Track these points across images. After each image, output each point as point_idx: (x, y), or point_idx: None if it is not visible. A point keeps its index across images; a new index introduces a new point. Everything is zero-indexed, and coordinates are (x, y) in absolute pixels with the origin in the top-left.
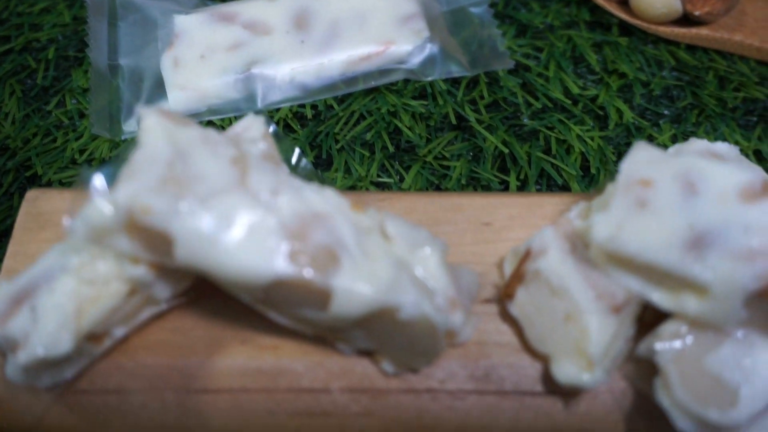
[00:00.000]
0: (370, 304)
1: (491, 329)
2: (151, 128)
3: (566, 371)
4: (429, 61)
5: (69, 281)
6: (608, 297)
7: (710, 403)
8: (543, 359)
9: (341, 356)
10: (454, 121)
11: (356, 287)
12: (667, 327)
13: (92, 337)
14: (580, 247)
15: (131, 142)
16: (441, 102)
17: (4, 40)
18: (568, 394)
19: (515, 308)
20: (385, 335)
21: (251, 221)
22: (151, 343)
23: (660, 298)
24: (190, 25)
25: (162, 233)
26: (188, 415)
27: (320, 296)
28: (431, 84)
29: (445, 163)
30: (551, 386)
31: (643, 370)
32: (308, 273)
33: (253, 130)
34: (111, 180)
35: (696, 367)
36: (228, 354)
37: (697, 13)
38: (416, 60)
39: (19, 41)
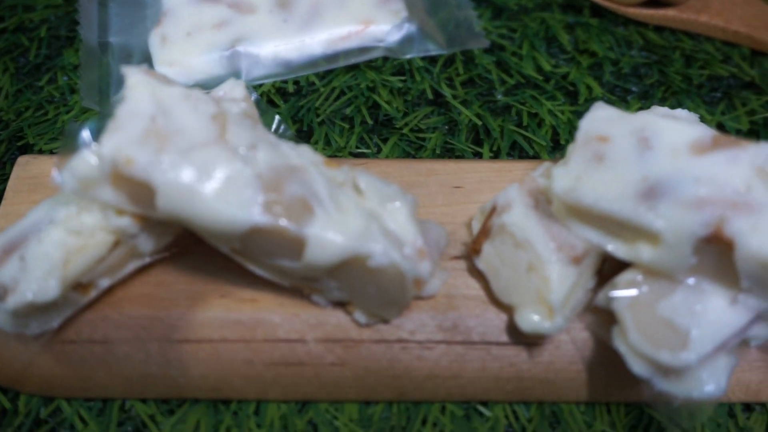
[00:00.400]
0: (342, 252)
1: (459, 284)
2: (136, 85)
3: (529, 319)
4: (407, 40)
5: (56, 232)
6: (568, 248)
7: (662, 345)
8: (508, 310)
9: (316, 308)
10: (430, 97)
11: (329, 236)
12: (623, 276)
13: (79, 286)
14: (543, 203)
15: (116, 101)
16: (418, 78)
17: None
18: (532, 344)
19: (482, 263)
20: (356, 284)
21: (229, 173)
22: (135, 296)
23: (616, 248)
24: (177, 4)
25: (144, 183)
26: (170, 364)
27: (295, 245)
28: (409, 61)
29: (421, 135)
30: (516, 337)
31: (602, 320)
32: (283, 222)
33: (234, 92)
34: (97, 135)
35: (649, 313)
36: (208, 306)
37: None
38: (394, 39)
39: (12, 21)
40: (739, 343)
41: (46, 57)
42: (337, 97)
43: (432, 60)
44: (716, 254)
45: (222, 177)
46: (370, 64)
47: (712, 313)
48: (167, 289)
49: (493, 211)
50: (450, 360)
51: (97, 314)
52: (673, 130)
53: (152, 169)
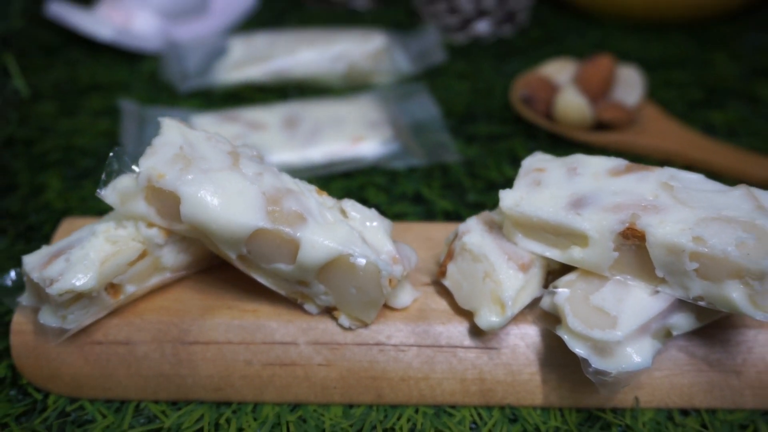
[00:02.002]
0: (329, 252)
1: (429, 302)
2: (169, 127)
3: (486, 318)
4: (392, 155)
5: (96, 241)
6: (517, 258)
7: (595, 326)
8: (469, 316)
9: (308, 316)
10: (411, 194)
11: (319, 239)
12: (562, 279)
13: (110, 287)
14: (495, 229)
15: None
16: (402, 182)
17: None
18: (492, 348)
19: (447, 281)
20: (340, 286)
21: (239, 189)
22: (155, 307)
23: (553, 253)
24: (204, 122)
25: (171, 194)
26: (181, 364)
27: (290, 246)
28: (393, 169)
29: (401, 219)
30: (478, 342)
31: (549, 319)
32: (281, 226)
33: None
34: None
35: (584, 303)
36: (216, 315)
37: (605, 118)
38: (382, 153)
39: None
40: (663, 332)
41: (92, 168)
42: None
43: (413, 169)
44: (634, 252)
45: (233, 191)
46: (360, 171)
47: (635, 301)
48: (182, 303)
49: (456, 236)
50: (421, 361)
51: (122, 320)
52: (595, 161)
53: (178, 182)
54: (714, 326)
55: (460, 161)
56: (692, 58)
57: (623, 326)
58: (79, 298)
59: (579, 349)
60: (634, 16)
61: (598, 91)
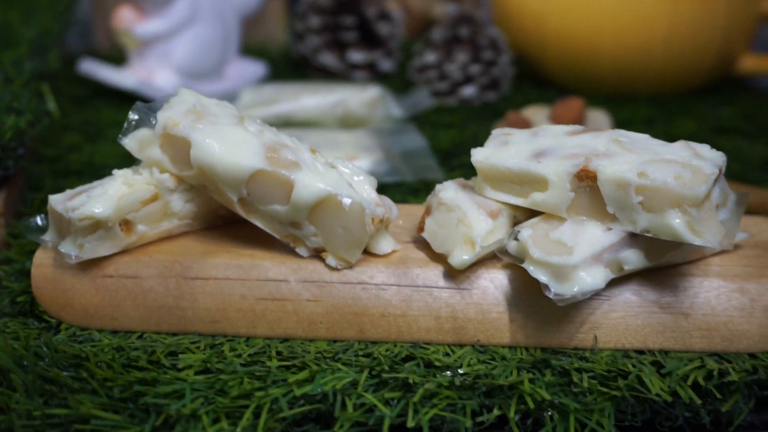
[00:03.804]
0: (320, 192)
1: (409, 253)
2: (184, 91)
3: (458, 257)
4: (383, 172)
5: (115, 183)
6: (486, 207)
7: (554, 253)
8: (445, 262)
9: (299, 257)
10: (398, 201)
11: (311, 181)
12: (526, 222)
13: (124, 224)
14: (468, 188)
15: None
16: (390, 192)
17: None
18: (464, 288)
19: (426, 233)
20: (328, 226)
21: (243, 138)
22: (163, 249)
23: (518, 201)
24: None
25: (184, 140)
26: (183, 297)
27: (285, 188)
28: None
29: None
30: (451, 283)
31: (515, 260)
32: (278, 168)
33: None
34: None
35: (545, 238)
36: (217, 256)
37: None
38: (373, 170)
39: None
40: (615, 265)
41: None
42: None
43: (401, 184)
44: (588, 193)
45: (238, 140)
46: None
47: (590, 235)
48: (187, 248)
49: (433, 193)
50: (400, 299)
51: (132, 257)
52: (556, 127)
53: (190, 130)
54: (663, 273)
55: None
56: (658, 119)
57: (578, 253)
58: (96, 228)
59: (541, 276)
60: (606, 90)
61: None
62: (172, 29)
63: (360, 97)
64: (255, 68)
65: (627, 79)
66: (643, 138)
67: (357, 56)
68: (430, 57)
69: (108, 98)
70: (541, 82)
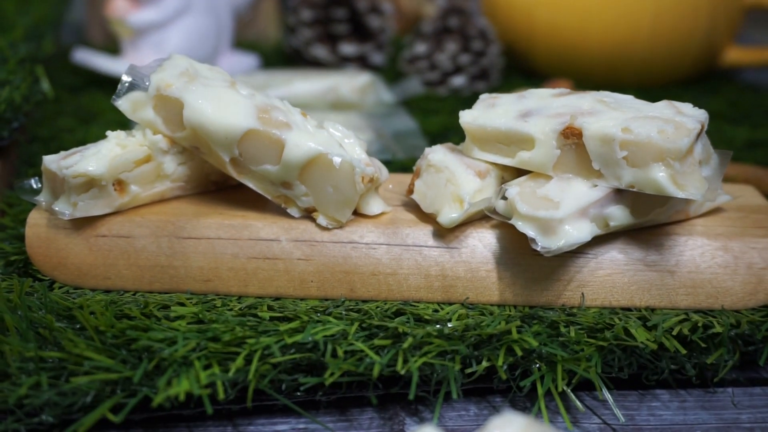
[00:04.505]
0: (310, 151)
1: (399, 215)
2: (178, 56)
3: (447, 215)
4: (374, 150)
5: (108, 143)
6: (474, 167)
7: (541, 208)
8: (434, 223)
9: (291, 218)
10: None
11: (302, 140)
12: (513, 181)
13: (117, 183)
14: (456, 150)
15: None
16: None
17: None
18: (453, 247)
19: (415, 195)
20: (319, 185)
21: (235, 99)
22: (156, 210)
23: (505, 160)
24: None
25: (177, 100)
26: (176, 256)
27: (276, 147)
28: None
29: None
30: (441, 242)
31: (502, 218)
32: (269, 128)
33: None
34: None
35: (532, 195)
36: (209, 217)
37: None
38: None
39: None
40: (601, 221)
41: None
42: None
43: (391, 162)
44: (574, 151)
45: (230, 101)
46: None
47: (576, 191)
48: (180, 209)
49: (423, 156)
50: (390, 258)
51: (125, 217)
52: (542, 90)
53: (183, 90)
54: (649, 232)
55: None
56: None
57: (564, 207)
58: (89, 186)
59: (528, 230)
60: (593, 81)
61: None
62: (166, 19)
63: (351, 83)
64: (248, 60)
65: (614, 70)
66: (628, 98)
67: (348, 49)
68: (421, 48)
69: (102, 87)
70: (529, 72)
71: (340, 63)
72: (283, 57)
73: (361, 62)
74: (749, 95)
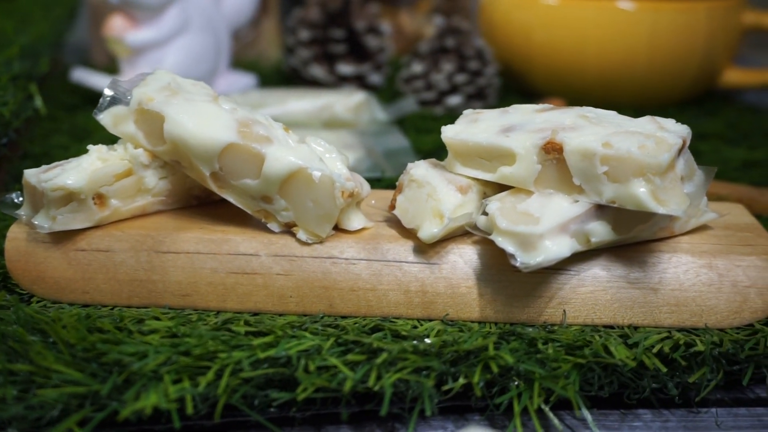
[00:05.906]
0: (290, 165)
1: (380, 230)
2: (161, 72)
3: (427, 230)
4: (364, 168)
5: (89, 157)
6: (456, 182)
7: (521, 223)
8: (414, 235)
9: (270, 233)
10: None
11: (282, 154)
12: (494, 197)
13: (97, 197)
14: (439, 166)
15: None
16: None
17: None
18: (433, 263)
19: (397, 210)
20: (299, 199)
21: (216, 114)
22: (136, 224)
23: (487, 175)
24: None
25: (158, 114)
26: (154, 270)
27: (256, 161)
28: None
29: None
30: (421, 258)
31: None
32: (249, 142)
33: None
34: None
35: (512, 210)
36: (189, 231)
37: None
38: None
39: None
40: (582, 236)
41: None
42: None
43: (381, 179)
44: (555, 166)
45: (211, 114)
46: None
47: (557, 206)
48: (160, 224)
49: (405, 171)
50: (370, 274)
51: (104, 231)
52: (525, 106)
53: (164, 104)
54: (632, 249)
55: None
56: None
57: (544, 223)
58: (69, 200)
59: (508, 246)
60: (591, 102)
61: None
62: (164, 38)
63: (346, 102)
64: (245, 80)
65: (611, 91)
66: (610, 114)
67: (346, 69)
68: (417, 67)
69: None
70: (527, 93)
71: (337, 83)
72: (281, 77)
73: (359, 82)
74: (748, 116)
